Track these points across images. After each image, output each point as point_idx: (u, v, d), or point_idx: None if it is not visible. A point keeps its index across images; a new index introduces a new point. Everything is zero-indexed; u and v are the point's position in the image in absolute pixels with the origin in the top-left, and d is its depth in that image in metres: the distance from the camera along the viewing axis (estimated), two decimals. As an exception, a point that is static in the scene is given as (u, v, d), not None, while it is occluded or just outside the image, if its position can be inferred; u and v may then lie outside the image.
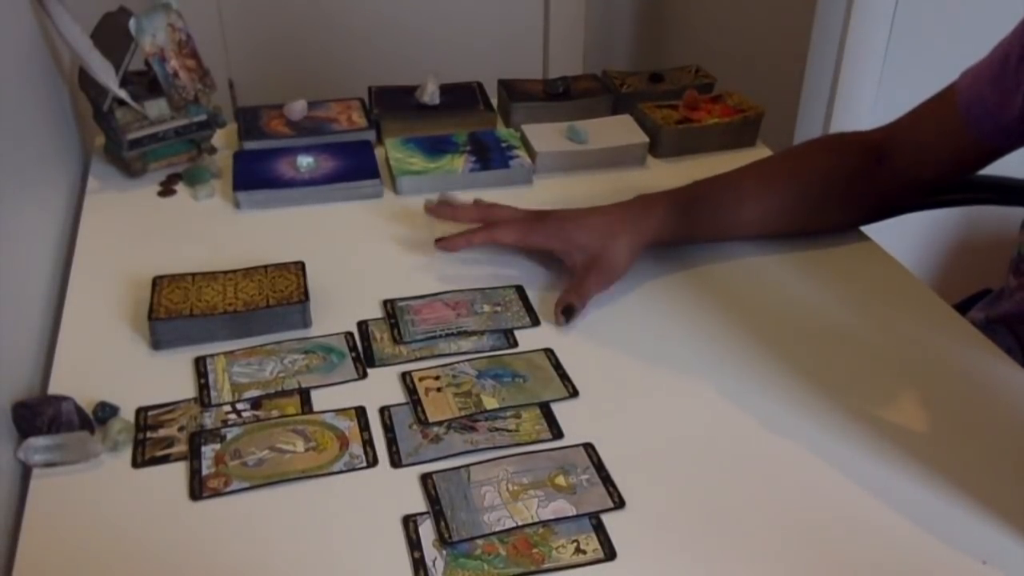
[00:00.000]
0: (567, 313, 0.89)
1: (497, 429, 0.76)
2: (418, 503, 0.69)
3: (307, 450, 0.74)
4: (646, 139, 1.19)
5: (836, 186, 1.01)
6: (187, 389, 0.80)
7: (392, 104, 1.24)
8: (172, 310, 0.85)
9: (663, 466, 0.74)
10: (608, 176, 1.16)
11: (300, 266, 0.92)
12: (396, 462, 0.73)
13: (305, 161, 1.12)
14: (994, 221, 1.74)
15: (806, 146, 1.09)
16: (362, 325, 0.88)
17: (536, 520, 0.68)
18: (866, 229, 1.05)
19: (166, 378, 0.81)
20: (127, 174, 1.13)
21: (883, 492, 0.71)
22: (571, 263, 0.94)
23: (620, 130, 1.21)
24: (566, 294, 0.90)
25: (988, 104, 0.93)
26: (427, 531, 0.67)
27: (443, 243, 0.96)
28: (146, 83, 1.12)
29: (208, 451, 0.73)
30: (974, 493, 0.71)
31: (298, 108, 1.22)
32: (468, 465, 0.72)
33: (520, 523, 0.67)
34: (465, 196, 1.03)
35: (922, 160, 0.99)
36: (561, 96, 1.27)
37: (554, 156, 1.16)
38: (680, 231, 0.97)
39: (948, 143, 0.97)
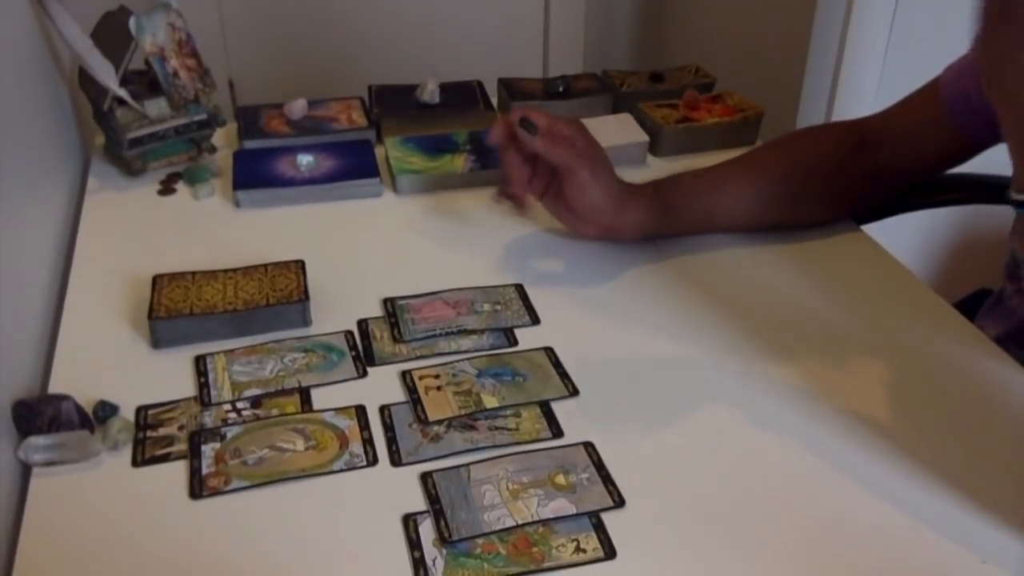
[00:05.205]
0: (525, 125, 0.92)
1: (497, 428, 0.76)
2: (418, 502, 0.69)
3: (307, 449, 0.74)
4: (646, 138, 1.19)
5: (819, 174, 1.02)
6: (187, 388, 0.80)
7: (392, 103, 1.24)
8: (172, 309, 0.85)
9: (663, 465, 0.74)
10: (608, 175, 1.16)
11: (300, 265, 0.92)
12: (396, 461, 0.73)
13: (305, 160, 1.12)
14: (993, 221, 1.74)
15: (789, 136, 1.10)
16: (362, 324, 0.88)
17: (536, 519, 0.68)
18: (866, 228, 1.05)
19: (166, 377, 0.81)
20: (127, 173, 1.13)
21: (882, 491, 0.71)
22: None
23: (620, 129, 1.20)
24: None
25: (972, 99, 0.93)
26: (427, 530, 0.67)
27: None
28: (146, 82, 1.12)
29: (208, 450, 0.73)
30: (974, 493, 0.71)
31: (298, 107, 1.22)
32: (468, 464, 0.72)
33: (520, 522, 0.67)
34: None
35: (906, 151, 1.00)
36: (561, 95, 1.27)
37: (554, 155, 1.16)
38: (664, 222, 0.98)
39: (932, 135, 0.98)
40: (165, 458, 0.73)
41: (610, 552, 0.65)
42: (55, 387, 0.80)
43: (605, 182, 0.95)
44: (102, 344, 0.85)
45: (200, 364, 0.82)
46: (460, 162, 1.14)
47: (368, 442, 0.75)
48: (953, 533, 0.68)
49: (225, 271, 0.91)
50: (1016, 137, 0.78)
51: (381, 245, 1.02)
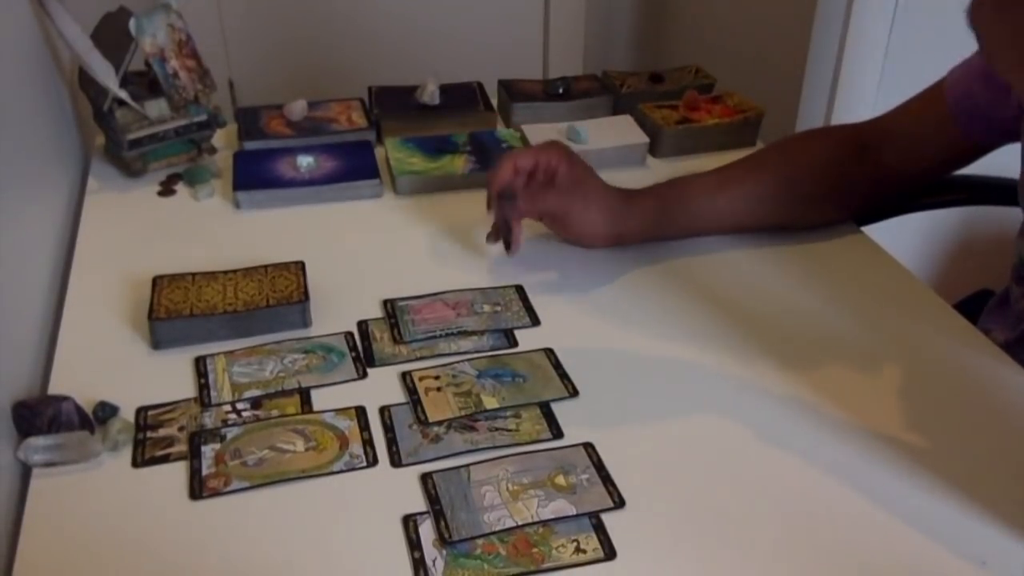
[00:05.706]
0: (506, 197, 0.94)
1: (497, 429, 0.76)
2: (418, 503, 0.69)
3: (307, 450, 0.74)
4: (646, 139, 1.19)
5: (823, 176, 1.02)
6: (187, 389, 0.80)
7: (392, 104, 1.24)
8: (172, 310, 0.85)
9: (663, 466, 0.74)
10: (608, 176, 1.15)
11: (300, 266, 0.92)
12: (396, 462, 0.73)
13: (305, 161, 1.12)
14: (994, 221, 1.74)
15: (793, 138, 1.10)
16: (362, 325, 0.88)
17: (536, 520, 0.68)
18: (867, 229, 1.05)
19: (166, 378, 0.81)
20: (127, 174, 1.13)
21: (882, 492, 0.71)
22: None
23: (620, 130, 1.21)
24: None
25: (979, 100, 0.93)
26: (427, 531, 0.67)
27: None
28: (146, 83, 1.12)
29: (208, 451, 0.73)
30: (974, 493, 0.71)
31: (298, 108, 1.22)
32: (468, 465, 0.72)
33: (520, 523, 0.67)
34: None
35: (909, 153, 1.00)
36: (561, 96, 1.27)
37: (554, 156, 1.16)
38: (667, 223, 0.99)
39: (935, 137, 0.98)
40: (165, 459, 0.73)
41: (610, 552, 0.65)
42: (55, 388, 0.80)
43: (599, 205, 0.96)
44: (102, 345, 0.85)
45: (200, 365, 0.82)
46: (460, 163, 1.14)
47: (368, 443, 0.75)
48: (954, 534, 0.68)
49: (225, 272, 0.91)
50: None
51: (381, 246, 1.02)
